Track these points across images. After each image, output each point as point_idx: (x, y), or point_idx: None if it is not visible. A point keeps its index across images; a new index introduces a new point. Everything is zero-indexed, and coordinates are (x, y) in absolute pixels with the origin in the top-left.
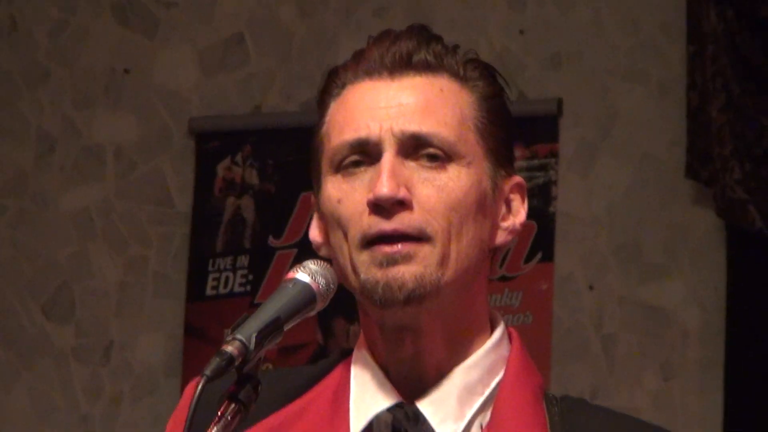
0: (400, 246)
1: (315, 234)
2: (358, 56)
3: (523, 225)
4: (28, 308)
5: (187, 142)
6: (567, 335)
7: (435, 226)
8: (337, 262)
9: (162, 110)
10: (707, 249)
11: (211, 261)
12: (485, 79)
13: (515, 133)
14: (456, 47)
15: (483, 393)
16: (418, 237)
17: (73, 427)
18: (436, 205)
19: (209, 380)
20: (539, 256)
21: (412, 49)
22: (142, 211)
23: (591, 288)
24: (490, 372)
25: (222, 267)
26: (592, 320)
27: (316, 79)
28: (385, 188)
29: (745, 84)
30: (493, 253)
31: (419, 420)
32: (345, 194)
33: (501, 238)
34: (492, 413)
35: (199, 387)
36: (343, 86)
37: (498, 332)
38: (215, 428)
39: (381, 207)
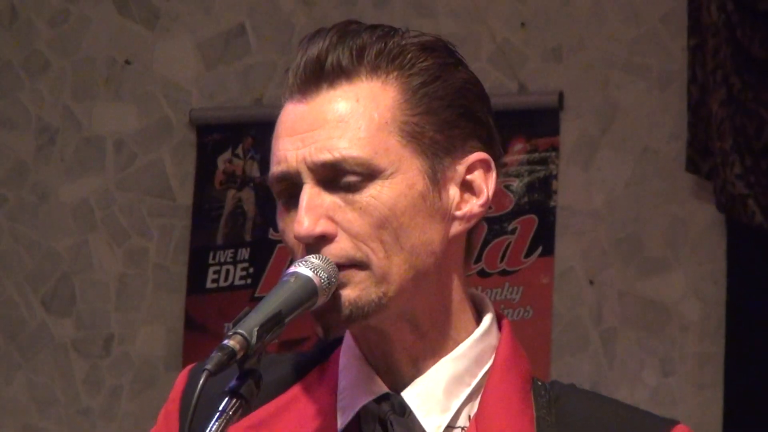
0: None
1: None
2: (291, 67)
3: (487, 204)
4: (28, 300)
5: (187, 133)
6: (567, 329)
7: (365, 249)
8: None
9: (163, 101)
10: (707, 243)
11: (211, 254)
12: (419, 63)
13: (475, 104)
14: (389, 32)
15: (470, 383)
16: (348, 265)
17: (73, 419)
18: (362, 228)
19: (211, 374)
20: (539, 250)
21: (322, 55)
22: (143, 203)
23: (591, 282)
24: (477, 362)
25: (222, 260)
26: (592, 314)
27: None
28: (300, 227)
29: (745, 77)
30: (464, 240)
31: (405, 411)
32: (286, 225)
33: (458, 227)
34: (480, 403)
35: (201, 382)
36: (283, 103)
37: (486, 322)
38: (217, 424)
39: (309, 244)
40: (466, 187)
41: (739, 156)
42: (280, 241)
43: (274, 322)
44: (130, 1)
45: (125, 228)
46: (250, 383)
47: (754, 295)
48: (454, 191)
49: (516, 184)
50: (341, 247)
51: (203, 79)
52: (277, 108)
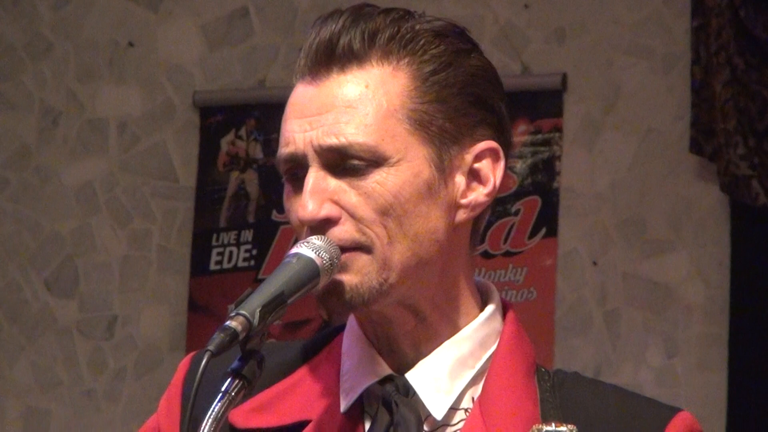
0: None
1: None
2: (303, 47)
3: (493, 193)
4: (31, 282)
5: (191, 116)
6: (571, 311)
7: (369, 234)
8: None
9: (166, 84)
10: (711, 224)
11: (215, 235)
12: (431, 50)
13: (487, 91)
14: (403, 16)
15: (474, 366)
16: (351, 249)
17: (77, 401)
18: (366, 213)
19: (213, 355)
20: (543, 231)
21: (334, 38)
22: (146, 185)
23: (595, 263)
24: (482, 345)
25: (226, 242)
26: (596, 296)
27: None
28: (305, 211)
29: (748, 58)
30: (470, 227)
31: (409, 392)
32: (291, 205)
33: (462, 215)
34: (483, 386)
35: (203, 362)
36: (294, 83)
37: (491, 306)
38: (219, 404)
39: (313, 228)
40: (473, 175)
41: (742, 137)
42: (283, 223)
43: (277, 303)
44: None
45: (128, 210)
46: (252, 364)
47: (758, 276)
48: (460, 179)
49: (519, 165)
50: (345, 230)
51: (206, 61)
52: (280, 89)
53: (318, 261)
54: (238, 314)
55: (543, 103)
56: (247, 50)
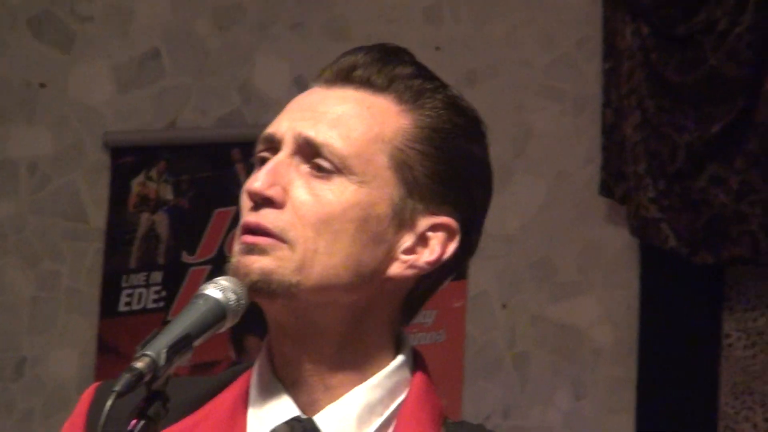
0: (260, 239)
1: None
2: (326, 65)
3: (433, 264)
4: None
5: (101, 156)
6: (480, 353)
7: (299, 232)
8: None
9: (77, 125)
10: (620, 267)
11: (124, 277)
12: (444, 116)
13: (472, 184)
14: (430, 77)
15: (383, 414)
16: (279, 237)
17: None
18: (308, 213)
19: (119, 396)
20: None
21: (358, 65)
22: (56, 226)
23: (504, 306)
24: (392, 393)
25: (135, 283)
26: (505, 338)
27: (232, 95)
28: (256, 183)
29: (660, 101)
30: (402, 292)
31: None
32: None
33: (397, 269)
34: None
35: (109, 402)
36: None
37: (401, 357)
38: None
39: (255, 202)
40: (423, 240)
41: (652, 180)
42: (192, 265)
43: (183, 344)
44: (46, 25)
45: (38, 251)
46: (157, 405)
47: (666, 319)
48: (410, 236)
49: None
50: (282, 219)
51: (117, 102)
52: (191, 130)
53: (224, 301)
54: (144, 355)
55: None
56: (158, 91)
